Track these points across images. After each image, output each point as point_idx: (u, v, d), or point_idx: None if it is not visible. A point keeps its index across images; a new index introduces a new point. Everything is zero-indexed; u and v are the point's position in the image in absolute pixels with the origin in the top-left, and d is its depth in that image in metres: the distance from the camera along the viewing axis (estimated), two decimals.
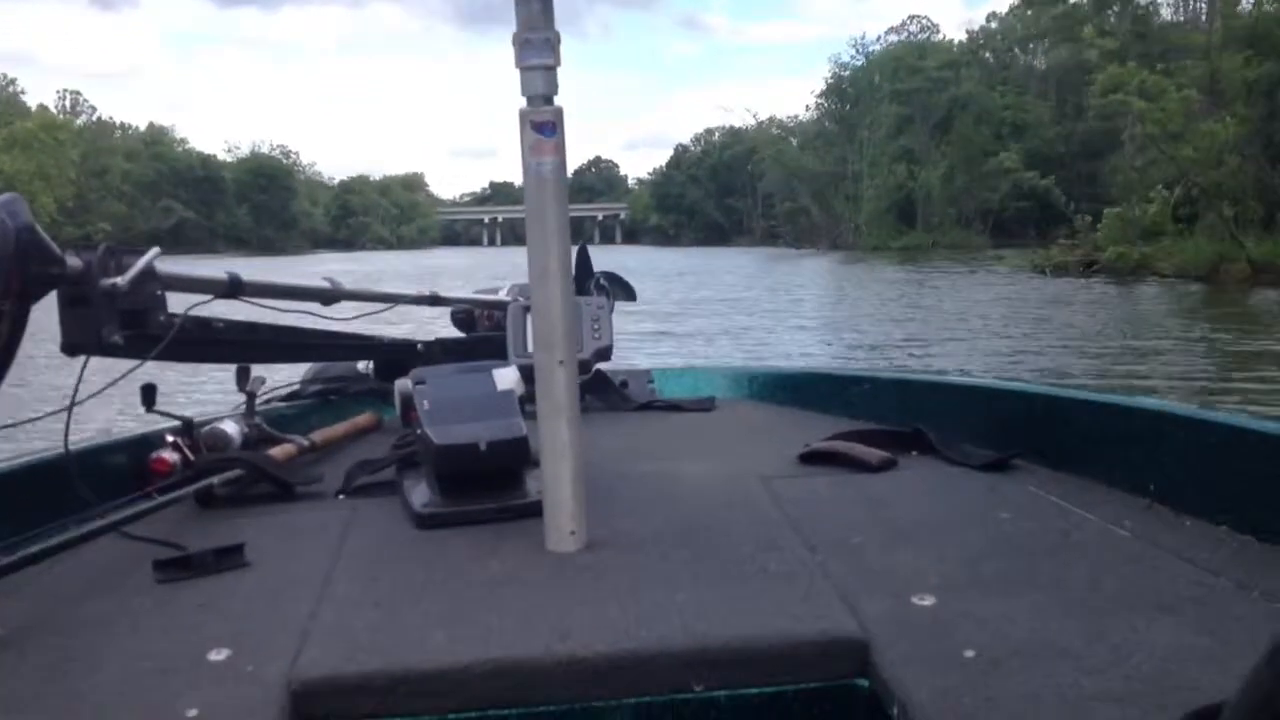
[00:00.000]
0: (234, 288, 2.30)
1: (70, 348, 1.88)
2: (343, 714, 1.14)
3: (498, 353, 2.99)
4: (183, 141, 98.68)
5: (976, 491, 1.89)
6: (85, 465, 1.92)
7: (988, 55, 65.38)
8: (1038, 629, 1.19)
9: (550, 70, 1.54)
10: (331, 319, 2.83)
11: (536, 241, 1.57)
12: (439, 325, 3.55)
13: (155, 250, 1.96)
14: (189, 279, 2.19)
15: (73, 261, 1.76)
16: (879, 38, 71.73)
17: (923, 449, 2.21)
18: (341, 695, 1.15)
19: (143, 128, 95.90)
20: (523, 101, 1.54)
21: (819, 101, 73.61)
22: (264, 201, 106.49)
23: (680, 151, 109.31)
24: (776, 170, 69.94)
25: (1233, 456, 1.58)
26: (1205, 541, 1.50)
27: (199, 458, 2.14)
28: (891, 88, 61.36)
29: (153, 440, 2.16)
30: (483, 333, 3.69)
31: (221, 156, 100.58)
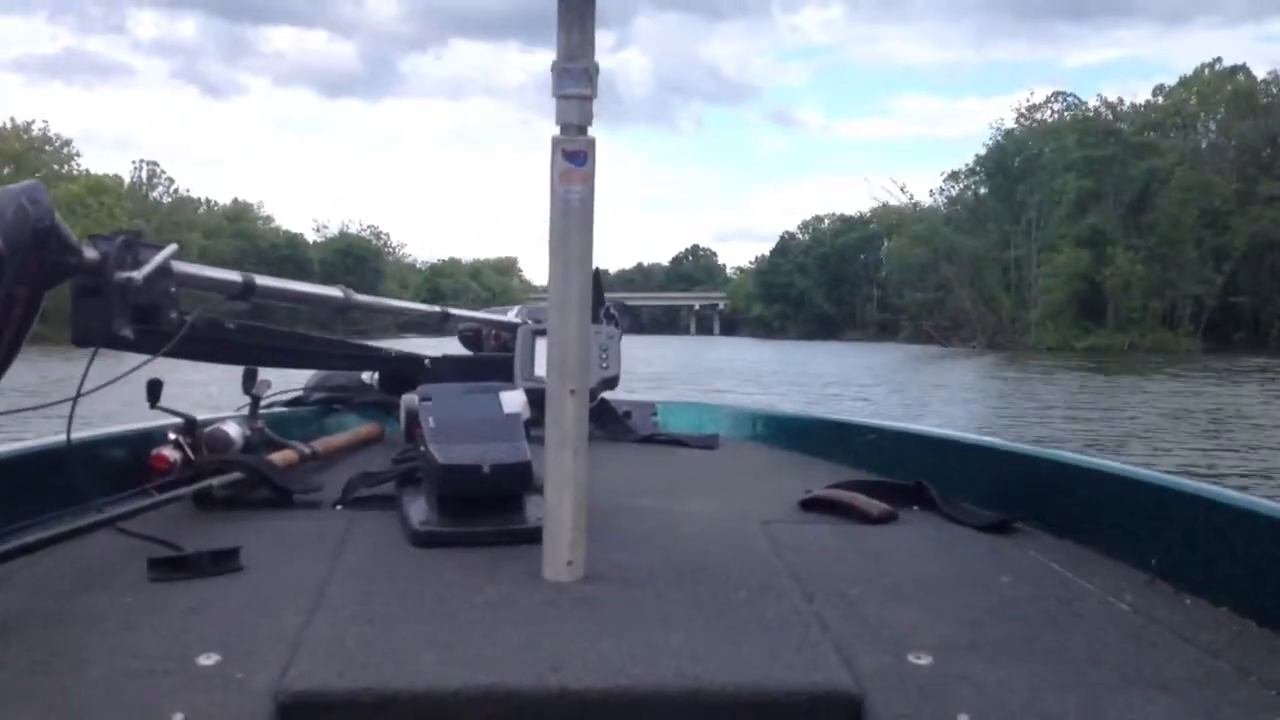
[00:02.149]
0: (247, 290, 2.38)
1: (80, 338, 1.92)
2: None
3: (504, 374, 3.05)
4: (268, 219, 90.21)
5: (977, 552, 1.90)
6: (85, 457, 2.05)
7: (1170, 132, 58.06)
8: (1034, 698, 1.19)
9: (586, 101, 1.55)
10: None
11: (558, 270, 1.59)
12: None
13: (173, 247, 2.02)
14: (203, 278, 2.28)
15: (89, 252, 1.81)
16: (1022, 115, 64.43)
17: (924, 504, 2.22)
18: (329, 711, 1.16)
19: (227, 203, 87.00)
20: (557, 130, 1.57)
21: (968, 175, 66.49)
22: (350, 282, 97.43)
23: (787, 239, 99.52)
24: (913, 252, 62.92)
25: (1239, 538, 1.57)
26: (1205, 622, 1.50)
27: (199, 458, 2.21)
28: (1080, 154, 53.57)
29: (154, 436, 2.24)
30: (490, 353, 3.71)
31: (309, 236, 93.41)
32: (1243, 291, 46.96)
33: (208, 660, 1.22)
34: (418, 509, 1.90)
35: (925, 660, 1.30)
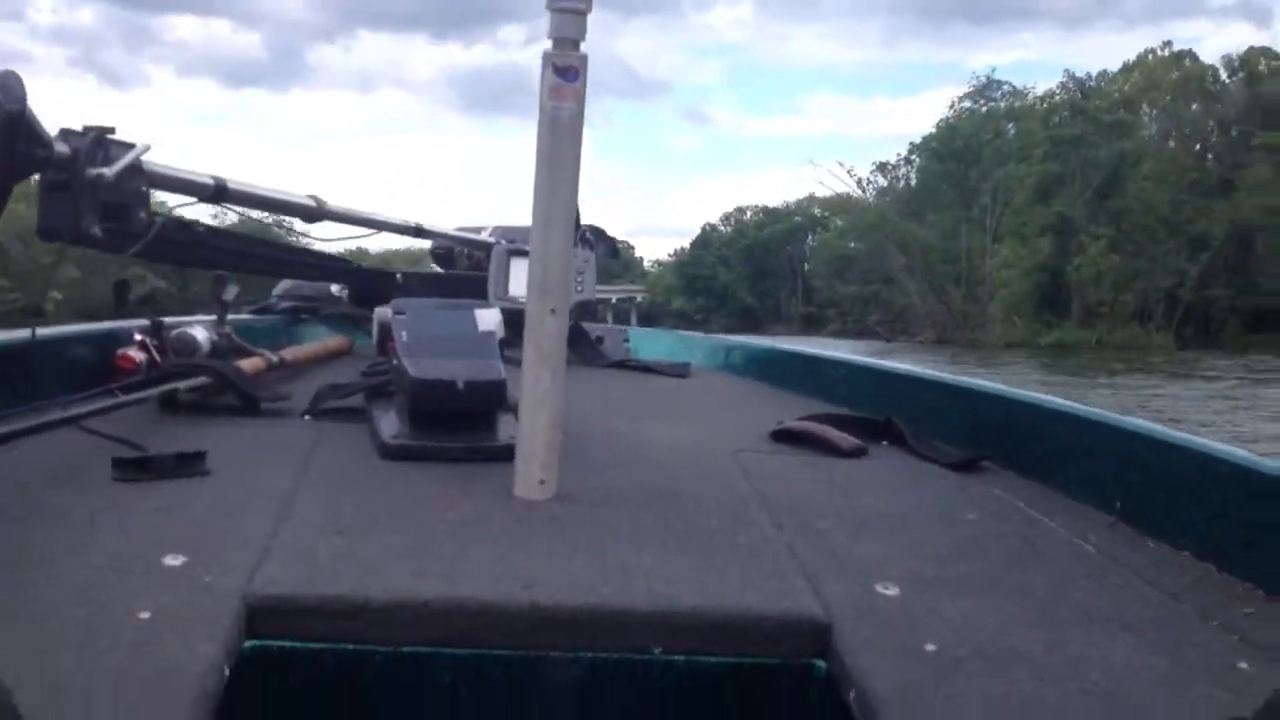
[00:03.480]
0: (220, 193, 2.37)
1: (47, 233, 1.94)
2: (298, 634, 1.16)
3: (477, 292, 3.05)
4: (160, 204, 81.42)
5: (945, 489, 1.95)
6: (49, 354, 2.07)
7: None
8: (1000, 632, 1.23)
9: (581, 15, 1.54)
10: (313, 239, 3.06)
11: (544, 185, 1.57)
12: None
13: (145, 145, 2.04)
14: (176, 179, 2.26)
15: (60, 147, 1.81)
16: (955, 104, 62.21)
17: (893, 440, 2.26)
18: (299, 616, 1.16)
19: None
20: (548, 44, 1.55)
21: (904, 164, 64.83)
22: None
23: (708, 231, 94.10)
24: (848, 245, 61.30)
25: (1202, 483, 1.60)
26: (1168, 565, 1.54)
27: (166, 360, 2.21)
28: (1046, 133, 51.60)
29: (120, 336, 2.24)
30: (463, 270, 3.69)
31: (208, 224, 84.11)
32: (1219, 284, 45.67)
33: (174, 561, 1.22)
34: (389, 422, 1.90)
35: (893, 591, 1.32)
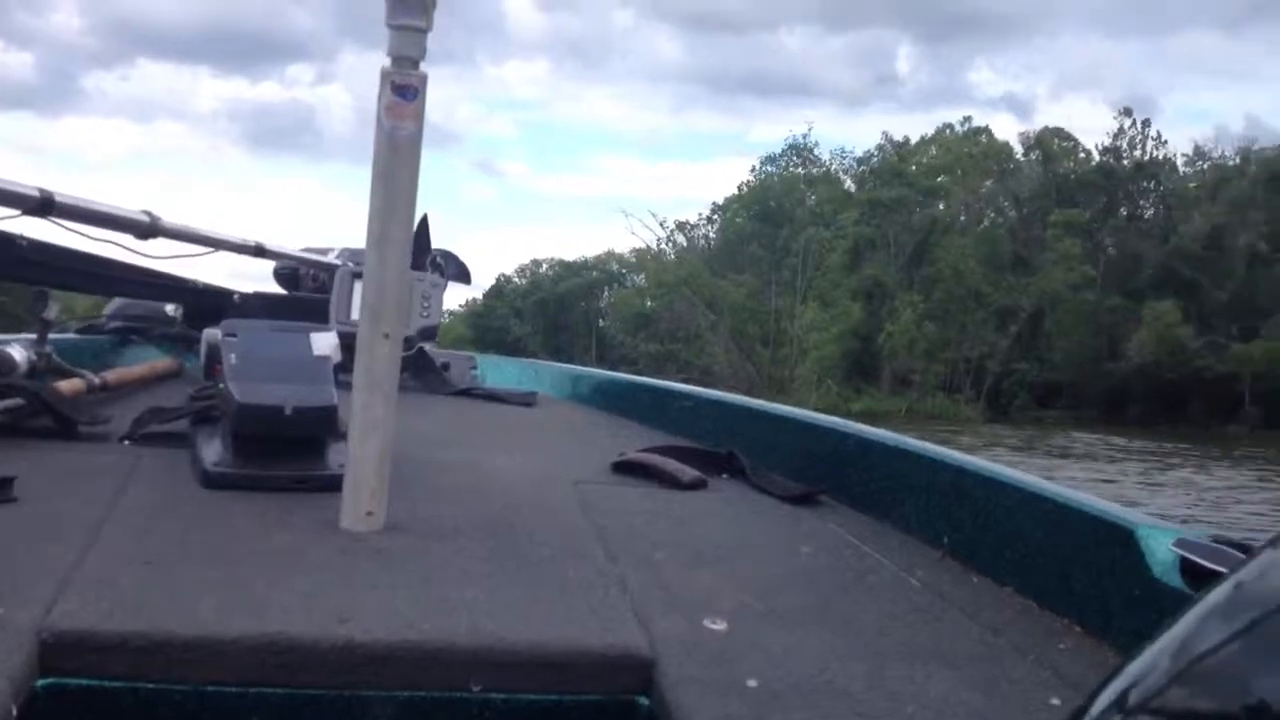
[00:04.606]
0: (45, 206, 2.24)
1: None
2: (95, 672, 1.08)
3: (320, 315, 2.90)
4: None
5: (780, 522, 1.97)
6: None
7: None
8: (822, 667, 1.23)
9: (421, 34, 1.50)
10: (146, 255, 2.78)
11: (379, 206, 1.52)
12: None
13: None
14: None
15: None
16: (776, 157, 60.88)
17: (734, 473, 2.30)
18: (95, 653, 1.08)
19: None
20: (386, 61, 1.52)
21: (705, 223, 62.51)
22: (4, 304, 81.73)
23: (502, 282, 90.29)
24: (644, 302, 58.88)
25: (1025, 520, 1.63)
26: (990, 600, 1.58)
27: None
28: (865, 195, 42.99)
29: None
30: (306, 293, 3.54)
31: None
32: (1026, 357, 45.71)
33: None
34: (211, 449, 1.84)
35: (720, 625, 1.31)
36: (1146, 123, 51.93)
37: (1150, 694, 0.42)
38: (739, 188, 61.51)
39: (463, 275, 3.59)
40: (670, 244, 64.14)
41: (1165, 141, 51.31)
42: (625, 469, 2.23)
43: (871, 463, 2.07)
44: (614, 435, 2.68)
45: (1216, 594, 0.40)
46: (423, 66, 1.58)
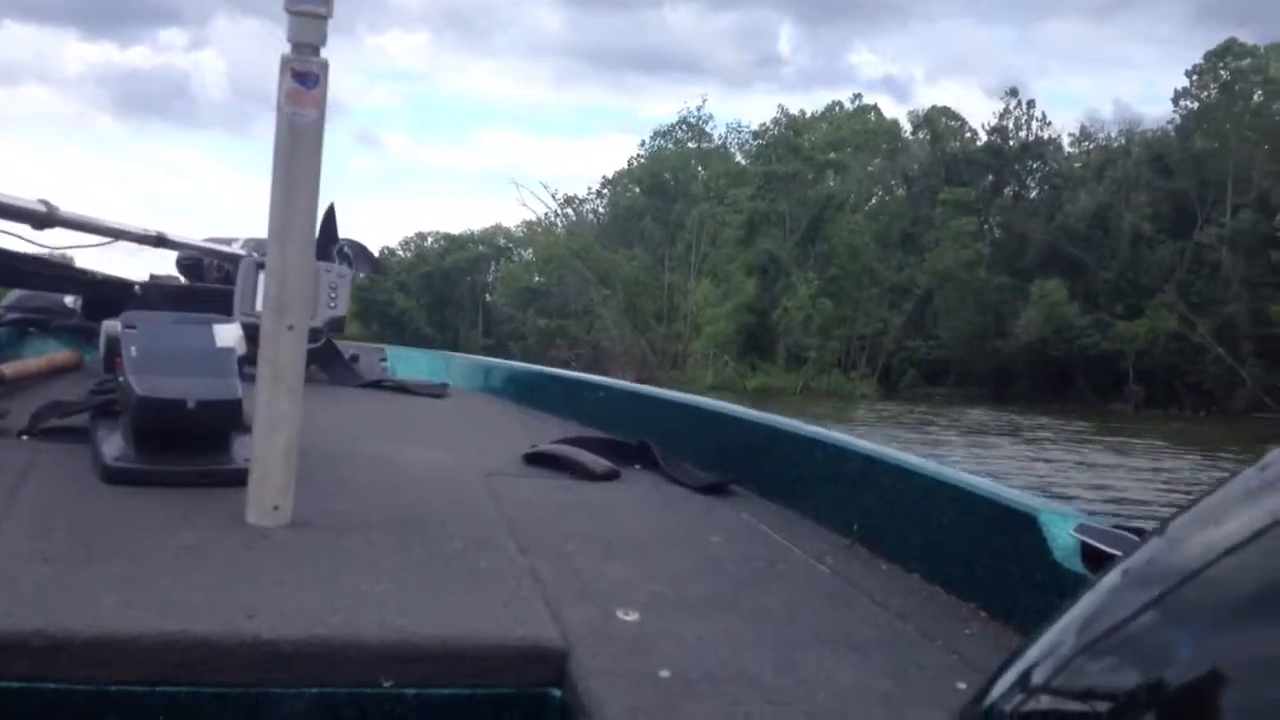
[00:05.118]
0: None
1: None
2: None
3: (224, 307, 2.80)
4: None
5: (692, 512, 1.98)
6: None
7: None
8: (733, 655, 1.25)
9: (321, 20, 1.49)
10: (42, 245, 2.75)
11: (280, 196, 1.50)
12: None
13: None
14: None
15: None
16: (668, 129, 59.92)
17: (646, 463, 2.31)
18: None
19: None
20: (286, 47, 1.50)
21: (594, 198, 61.17)
22: None
23: (386, 255, 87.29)
24: (548, 273, 56.15)
25: (931, 507, 1.66)
26: (898, 586, 1.60)
27: None
28: (761, 169, 41.65)
29: None
30: (210, 284, 3.47)
31: None
32: (914, 335, 45.94)
33: None
34: (112, 444, 1.79)
35: (632, 616, 1.32)
36: (1031, 103, 52.87)
37: (1049, 674, 0.44)
38: (629, 162, 61.09)
39: (373, 267, 3.57)
40: (560, 218, 63.08)
41: (1049, 122, 52.21)
42: (537, 460, 2.23)
43: (782, 452, 2.10)
44: (526, 427, 2.69)
45: (1110, 577, 0.44)
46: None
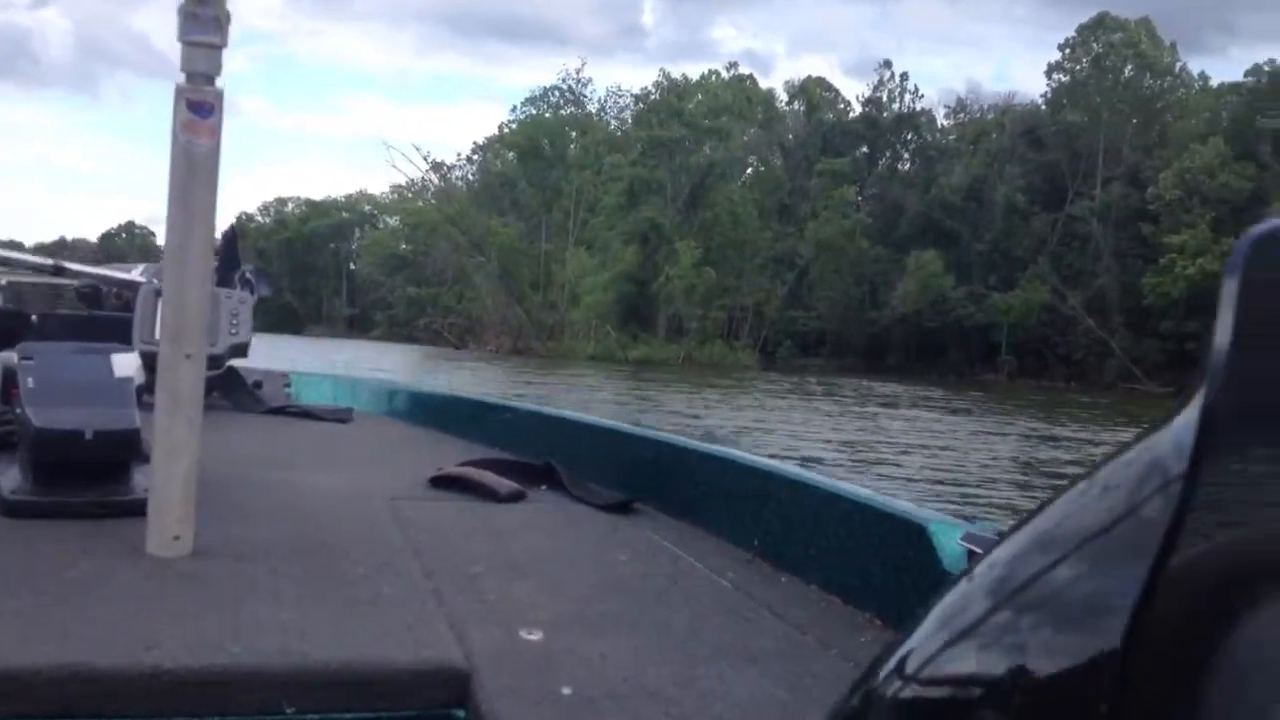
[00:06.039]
0: None
1: None
2: None
3: (124, 336, 2.78)
4: None
5: (598, 531, 1.99)
6: None
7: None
8: (635, 671, 1.28)
9: (216, 50, 1.51)
10: None
11: (177, 225, 1.50)
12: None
13: None
14: None
15: None
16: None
17: (552, 484, 2.32)
18: None
19: None
20: (181, 77, 1.51)
21: (466, 164, 58.79)
22: None
23: (244, 221, 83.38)
24: (416, 240, 54.75)
25: (826, 519, 1.70)
26: (796, 598, 1.63)
27: None
28: (646, 134, 40.00)
29: None
30: (109, 312, 3.41)
31: None
32: (797, 306, 45.47)
33: None
34: (9, 477, 1.79)
35: (536, 635, 1.35)
36: (905, 75, 52.87)
37: (921, 662, 0.46)
38: (500, 128, 59.36)
39: (275, 292, 3.91)
40: (430, 183, 60.53)
41: (922, 95, 52.32)
42: (443, 483, 2.25)
43: (686, 470, 2.13)
44: (432, 450, 2.71)
45: (975, 571, 0.46)
46: None
